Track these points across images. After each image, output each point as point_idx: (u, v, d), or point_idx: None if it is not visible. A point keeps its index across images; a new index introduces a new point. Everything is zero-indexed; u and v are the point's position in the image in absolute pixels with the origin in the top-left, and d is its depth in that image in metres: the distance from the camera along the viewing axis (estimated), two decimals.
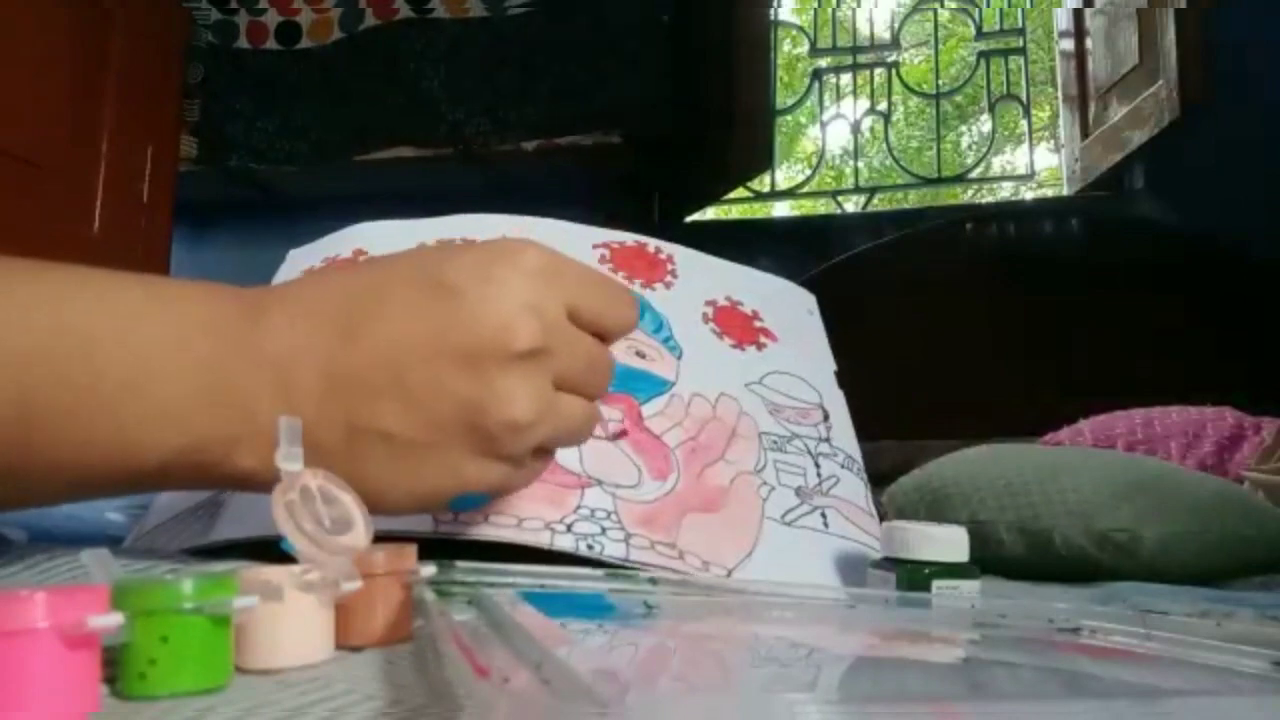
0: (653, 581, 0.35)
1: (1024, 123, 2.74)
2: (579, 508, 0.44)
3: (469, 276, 0.31)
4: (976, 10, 2.73)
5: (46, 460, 0.29)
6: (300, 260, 0.61)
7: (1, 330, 0.28)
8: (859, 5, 2.80)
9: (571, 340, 0.33)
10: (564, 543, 0.42)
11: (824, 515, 0.50)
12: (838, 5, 2.76)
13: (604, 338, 0.35)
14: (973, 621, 0.33)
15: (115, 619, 0.20)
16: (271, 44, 2.36)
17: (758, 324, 0.60)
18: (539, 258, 0.33)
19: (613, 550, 0.42)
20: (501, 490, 0.34)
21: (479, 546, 0.39)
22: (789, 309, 0.63)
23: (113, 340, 0.29)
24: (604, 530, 0.43)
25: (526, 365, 0.31)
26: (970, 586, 0.42)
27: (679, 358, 0.54)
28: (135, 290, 0.31)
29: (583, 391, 0.34)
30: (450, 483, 0.32)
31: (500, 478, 0.33)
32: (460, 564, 0.33)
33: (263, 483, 0.30)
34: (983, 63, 2.65)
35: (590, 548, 0.42)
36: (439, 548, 0.37)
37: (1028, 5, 2.68)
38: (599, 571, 0.35)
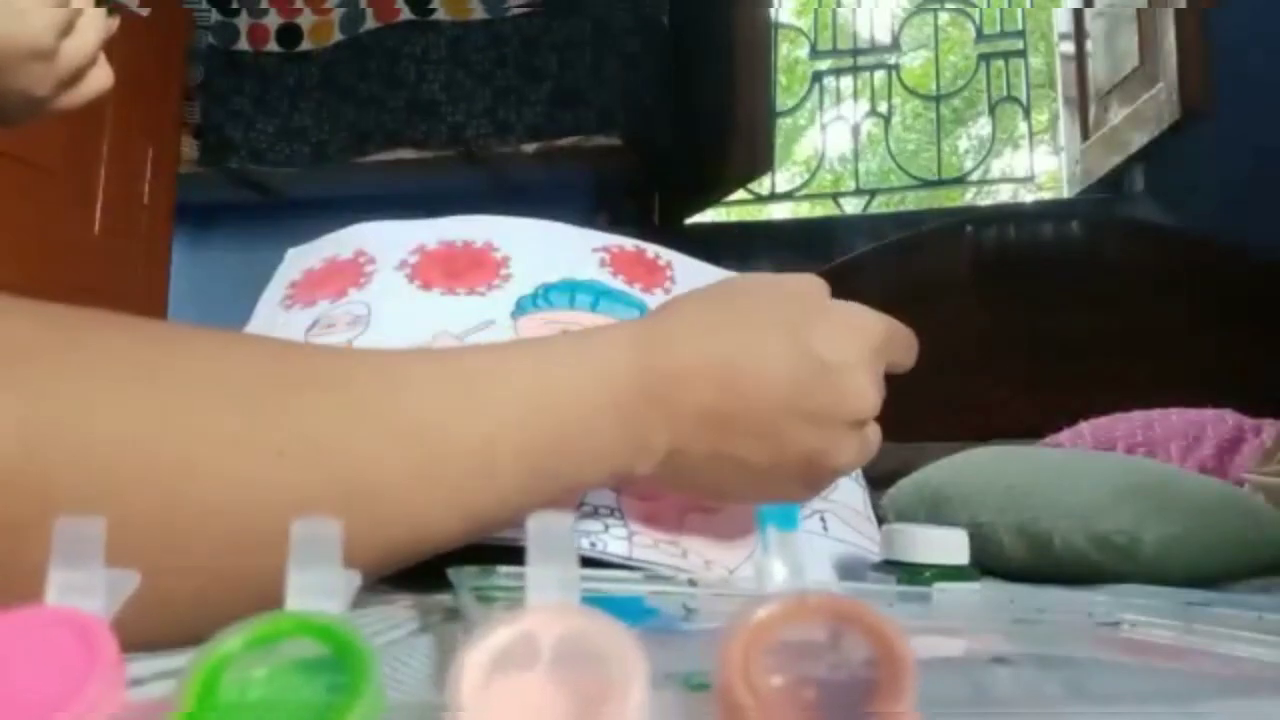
0: (693, 583, 0.35)
1: (1024, 125, 2.74)
2: (582, 504, 0.44)
3: (833, 350, 0.38)
4: (976, 12, 2.73)
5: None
6: (299, 260, 0.61)
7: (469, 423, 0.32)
8: (859, 6, 2.80)
9: (883, 391, 0.40)
10: None
11: (823, 519, 0.50)
12: (837, 7, 2.76)
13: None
14: (1011, 616, 0.33)
15: None
16: (272, 46, 2.37)
17: None
18: (880, 332, 0.40)
19: (615, 548, 0.42)
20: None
21: (480, 549, 0.39)
22: None
23: (557, 412, 0.34)
24: (607, 528, 0.43)
25: (862, 425, 0.39)
26: (970, 589, 0.42)
27: None
28: (552, 362, 0.36)
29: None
30: (779, 498, 0.38)
31: (810, 497, 0.42)
32: (502, 569, 0.33)
33: (638, 481, 0.39)
34: (983, 65, 2.65)
35: (593, 545, 0.42)
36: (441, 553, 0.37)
37: (1028, 6, 2.68)
38: (638, 574, 0.35)
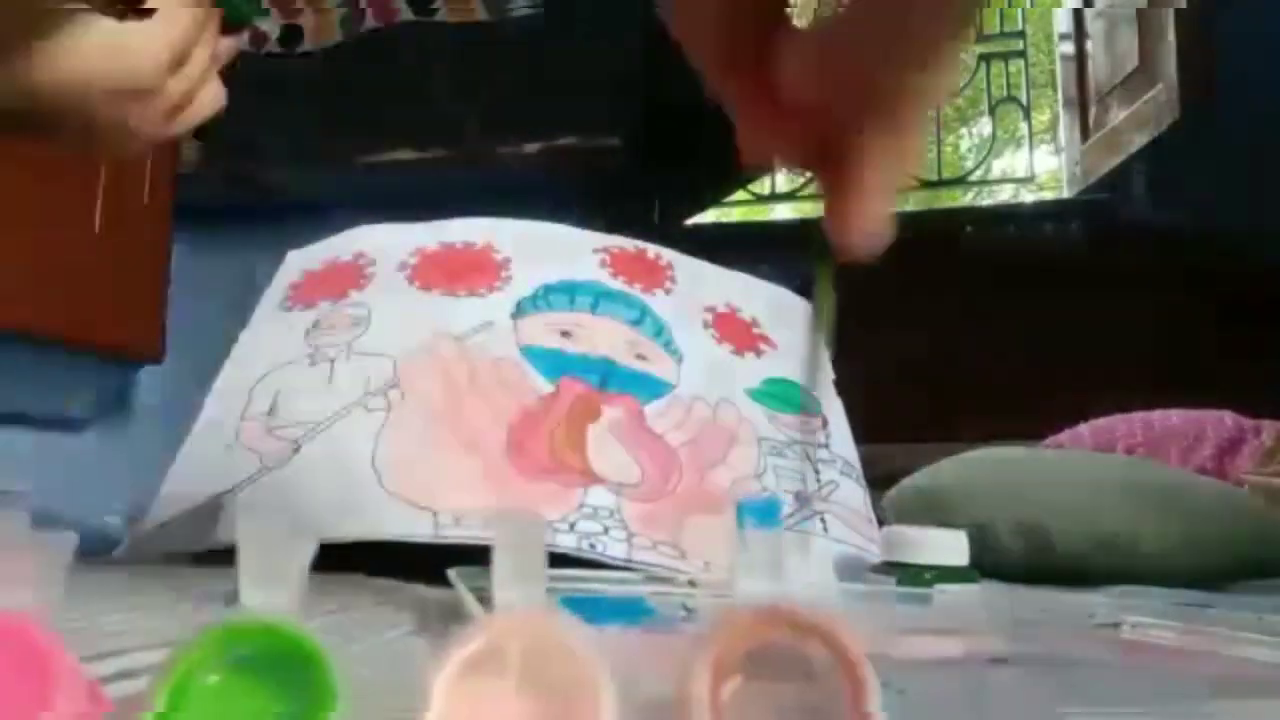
0: (692, 584, 0.35)
1: (1024, 125, 2.73)
2: (582, 505, 0.44)
3: None
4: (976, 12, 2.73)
5: None
6: (300, 261, 0.61)
7: None
8: None
9: None
10: (566, 542, 0.42)
11: (823, 520, 0.50)
12: (838, 8, 2.75)
13: None
14: (1011, 617, 0.33)
15: None
16: (273, 48, 2.37)
17: (756, 331, 0.60)
18: None
19: (615, 550, 0.42)
20: None
21: (480, 549, 0.39)
22: (787, 316, 0.63)
23: None
24: (606, 530, 0.43)
25: None
26: (970, 590, 0.42)
27: (679, 362, 0.54)
28: None
29: None
30: None
31: None
32: None
33: None
34: (983, 65, 2.65)
35: (593, 546, 0.42)
36: (441, 553, 0.37)
37: (1028, 6, 2.68)
38: (638, 575, 0.35)
